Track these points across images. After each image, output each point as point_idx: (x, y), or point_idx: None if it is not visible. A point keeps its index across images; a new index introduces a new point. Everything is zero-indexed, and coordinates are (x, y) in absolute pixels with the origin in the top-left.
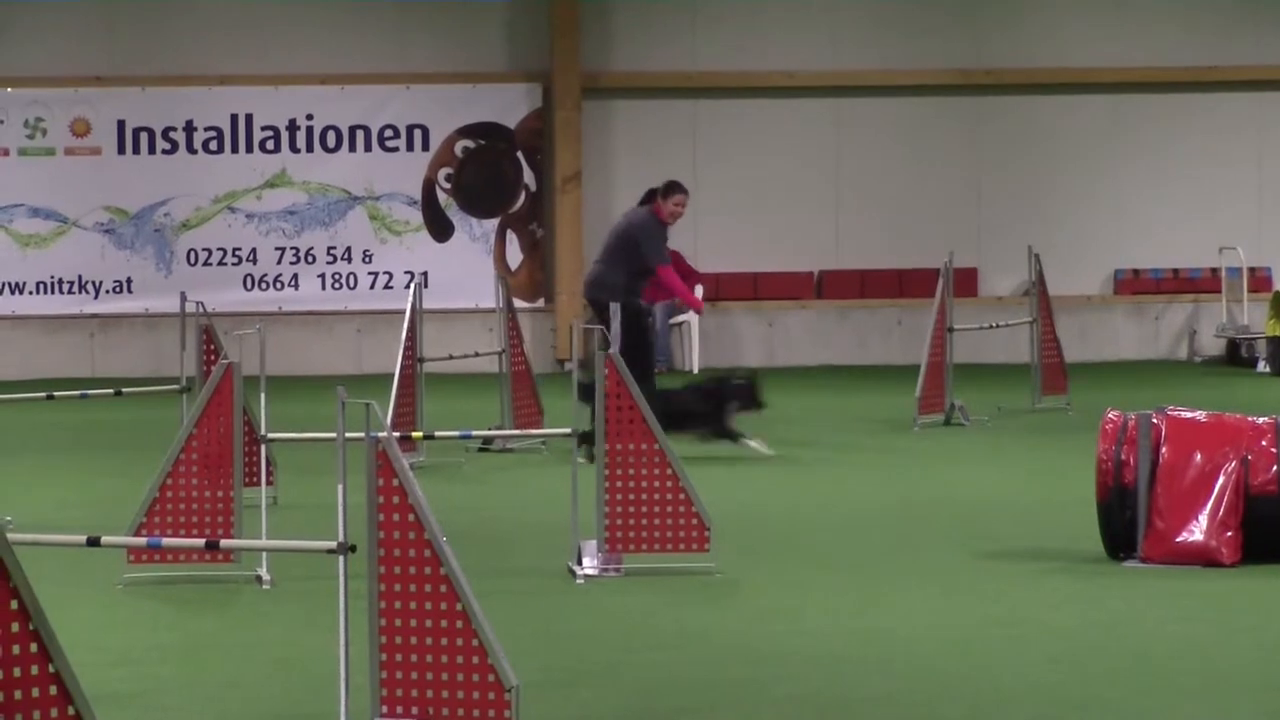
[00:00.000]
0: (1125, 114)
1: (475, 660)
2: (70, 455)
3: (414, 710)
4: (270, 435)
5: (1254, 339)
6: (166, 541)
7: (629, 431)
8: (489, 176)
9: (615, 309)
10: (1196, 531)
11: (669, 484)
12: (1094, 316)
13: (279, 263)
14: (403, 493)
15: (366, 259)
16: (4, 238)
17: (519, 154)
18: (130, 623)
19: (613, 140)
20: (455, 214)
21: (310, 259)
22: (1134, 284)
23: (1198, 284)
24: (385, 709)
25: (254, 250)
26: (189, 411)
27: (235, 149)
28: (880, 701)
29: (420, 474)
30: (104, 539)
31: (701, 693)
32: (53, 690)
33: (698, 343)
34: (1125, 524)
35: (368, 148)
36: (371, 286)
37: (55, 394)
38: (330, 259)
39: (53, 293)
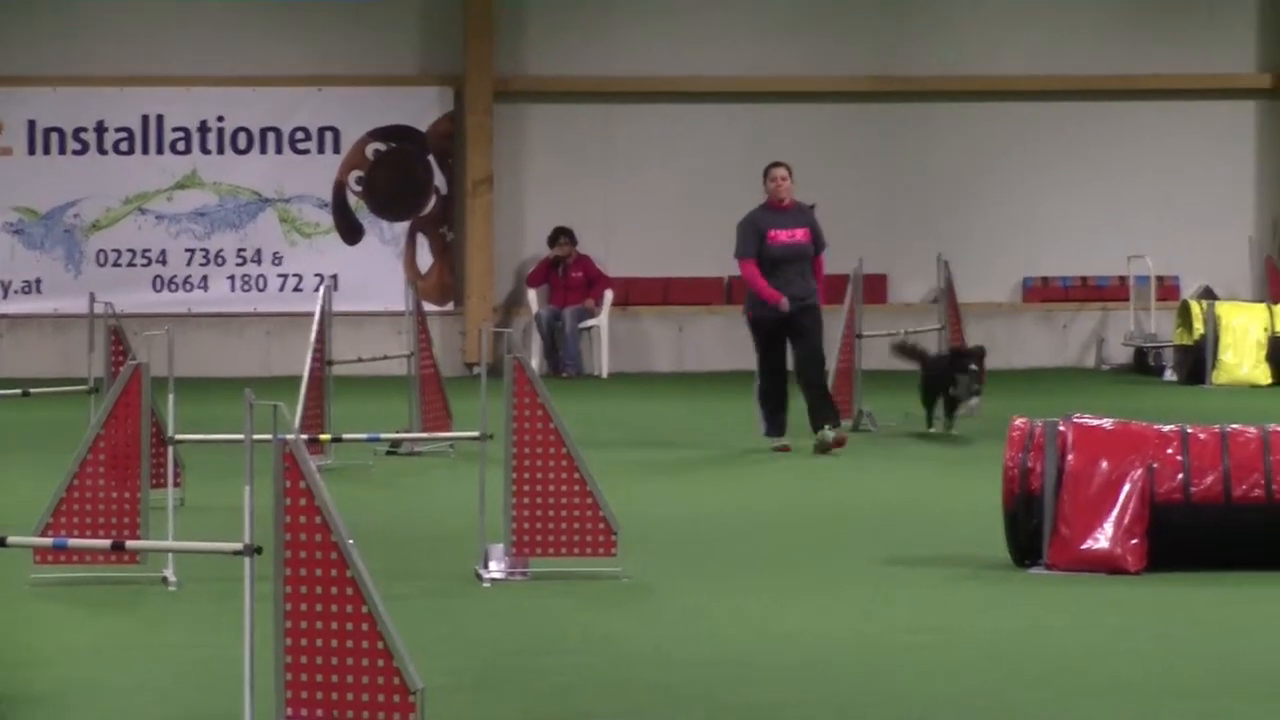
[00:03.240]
0: (1035, 122)
1: (381, 663)
2: None
3: (319, 713)
4: (178, 437)
5: (1161, 348)
6: (73, 542)
7: (537, 436)
8: (400, 179)
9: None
10: (1102, 539)
11: (576, 488)
12: (1003, 324)
13: (189, 264)
14: (310, 495)
15: (276, 261)
16: None
17: (430, 157)
18: (37, 624)
19: (525, 144)
20: (365, 217)
21: (220, 261)
22: (1043, 292)
23: (1106, 292)
24: (290, 711)
25: (164, 251)
26: (96, 412)
27: (146, 150)
28: (791, 706)
29: (328, 476)
30: (10, 539)
31: (610, 697)
32: None
33: (608, 348)
34: (1031, 531)
35: (278, 150)
36: (281, 289)
37: None
38: (240, 261)
39: None
